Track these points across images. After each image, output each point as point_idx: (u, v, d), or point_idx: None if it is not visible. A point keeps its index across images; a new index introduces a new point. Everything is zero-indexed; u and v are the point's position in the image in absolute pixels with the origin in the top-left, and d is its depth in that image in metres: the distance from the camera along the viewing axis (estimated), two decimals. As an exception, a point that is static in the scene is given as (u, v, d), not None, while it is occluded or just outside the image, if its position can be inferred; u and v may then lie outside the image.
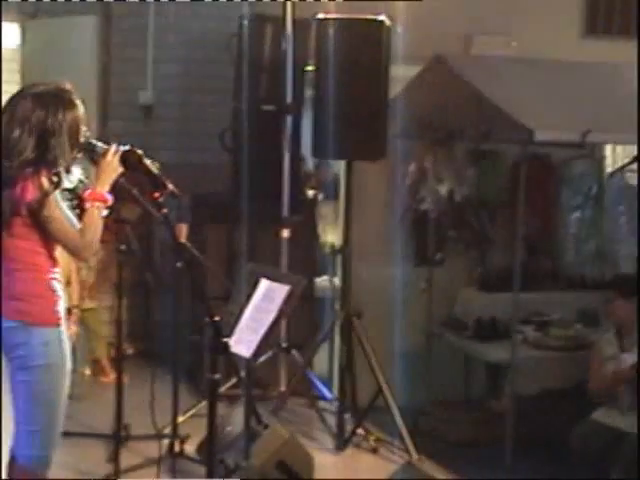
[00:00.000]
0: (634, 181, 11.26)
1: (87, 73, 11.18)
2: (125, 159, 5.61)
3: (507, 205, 10.15)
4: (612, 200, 11.36)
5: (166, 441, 7.61)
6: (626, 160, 11.39)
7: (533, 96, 9.41)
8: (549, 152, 10.63)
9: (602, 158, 11.45)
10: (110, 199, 5.62)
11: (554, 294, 10.52)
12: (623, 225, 11.39)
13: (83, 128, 5.56)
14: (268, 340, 5.12)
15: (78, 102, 5.57)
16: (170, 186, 5.42)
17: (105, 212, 5.57)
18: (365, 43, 6.36)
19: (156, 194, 5.34)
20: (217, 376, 4.39)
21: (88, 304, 10.38)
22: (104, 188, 5.57)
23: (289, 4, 7.37)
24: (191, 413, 7.61)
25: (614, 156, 11.39)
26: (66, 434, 5.91)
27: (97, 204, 5.53)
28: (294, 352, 7.02)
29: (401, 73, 8.11)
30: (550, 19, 11.04)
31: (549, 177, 11.19)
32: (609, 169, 11.55)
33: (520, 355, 9.35)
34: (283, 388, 7.04)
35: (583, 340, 9.77)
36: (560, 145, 9.67)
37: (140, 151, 5.64)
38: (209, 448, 4.42)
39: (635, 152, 11.04)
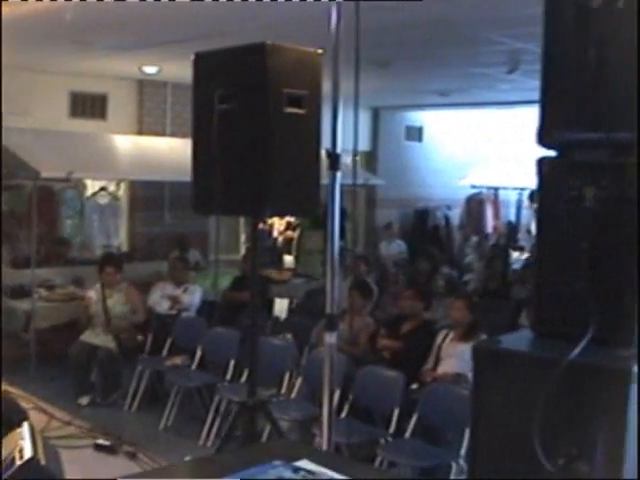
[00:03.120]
0: (102, 200, 11.69)
1: None
2: None
3: (25, 215, 10.11)
4: (90, 212, 11.67)
5: None
6: (97, 188, 11.67)
7: (41, 151, 9.56)
8: (51, 184, 10.68)
9: (84, 187, 11.62)
10: None
11: (60, 269, 10.58)
12: (96, 227, 11.76)
13: None
14: None
15: None
16: None
17: None
18: None
19: None
20: None
21: None
22: None
23: None
24: None
25: (92, 186, 11.57)
26: None
27: None
28: None
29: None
30: (51, 106, 11.14)
31: (52, 199, 11.30)
32: (88, 194, 11.67)
33: (38, 305, 9.33)
34: None
35: (74, 295, 9.80)
36: (57, 180, 9.87)
37: None
38: None
39: (102, 184, 11.59)
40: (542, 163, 2.47)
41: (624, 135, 2.31)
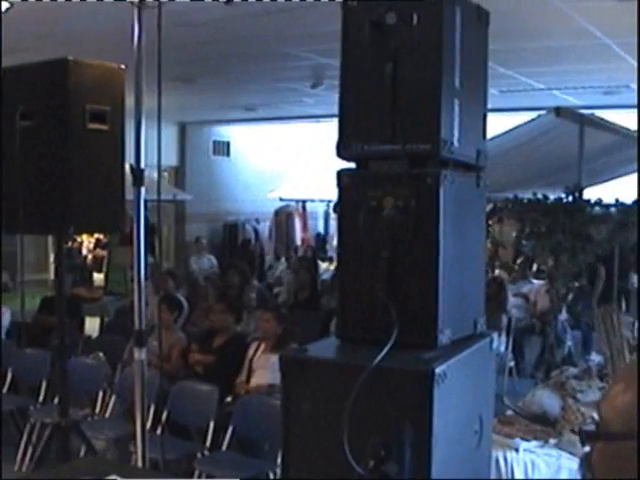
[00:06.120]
0: None
1: None
2: None
3: None
4: None
5: None
6: None
7: None
8: None
9: None
10: None
11: None
12: None
13: None
14: None
15: None
16: None
17: None
18: None
19: None
20: None
21: None
22: None
23: None
24: None
25: None
26: None
27: None
28: None
29: None
30: None
31: None
32: None
33: None
34: None
35: None
36: None
37: None
38: None
39: None
40: (342, 175, 2.50)
41: (420, 147, 2.38)
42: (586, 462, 1.43)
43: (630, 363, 1.77)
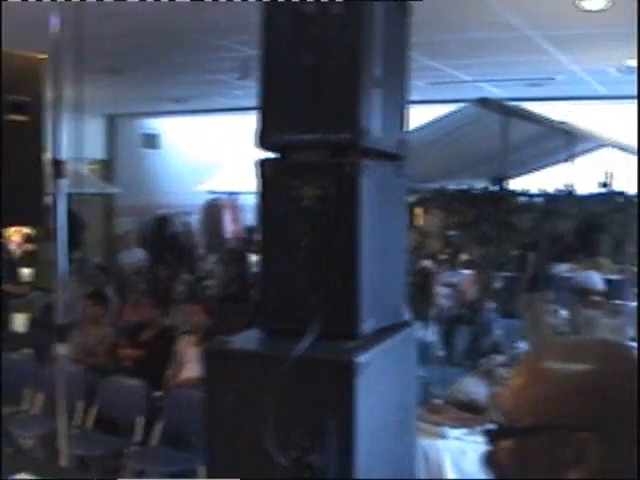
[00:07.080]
0: None
1: None
2: None
3: None
4: None
5: None
6: None
7: None
8: None
9: None
10: None
11: None
12: None
13: None
14: None
15: None
16: None
17: None
18: None
19: None
20: None
21: None
22: None
23: None
24: None
25: None
26: None
27: None
28: None
29: None
30: None
31: None
32: None
33: None
34: None
35: None
36: None
37: None
38: None
39: None
40: (264, 165, 2.49)
41: (340, 136, 2.37)
42: (489, 461, 1.38)
43: (528, 355, 1.74)
